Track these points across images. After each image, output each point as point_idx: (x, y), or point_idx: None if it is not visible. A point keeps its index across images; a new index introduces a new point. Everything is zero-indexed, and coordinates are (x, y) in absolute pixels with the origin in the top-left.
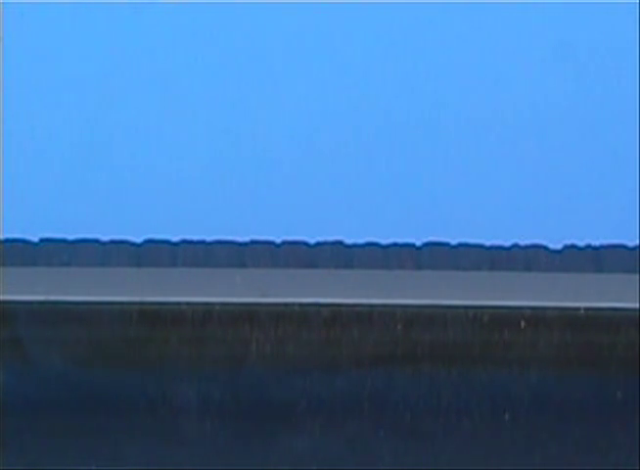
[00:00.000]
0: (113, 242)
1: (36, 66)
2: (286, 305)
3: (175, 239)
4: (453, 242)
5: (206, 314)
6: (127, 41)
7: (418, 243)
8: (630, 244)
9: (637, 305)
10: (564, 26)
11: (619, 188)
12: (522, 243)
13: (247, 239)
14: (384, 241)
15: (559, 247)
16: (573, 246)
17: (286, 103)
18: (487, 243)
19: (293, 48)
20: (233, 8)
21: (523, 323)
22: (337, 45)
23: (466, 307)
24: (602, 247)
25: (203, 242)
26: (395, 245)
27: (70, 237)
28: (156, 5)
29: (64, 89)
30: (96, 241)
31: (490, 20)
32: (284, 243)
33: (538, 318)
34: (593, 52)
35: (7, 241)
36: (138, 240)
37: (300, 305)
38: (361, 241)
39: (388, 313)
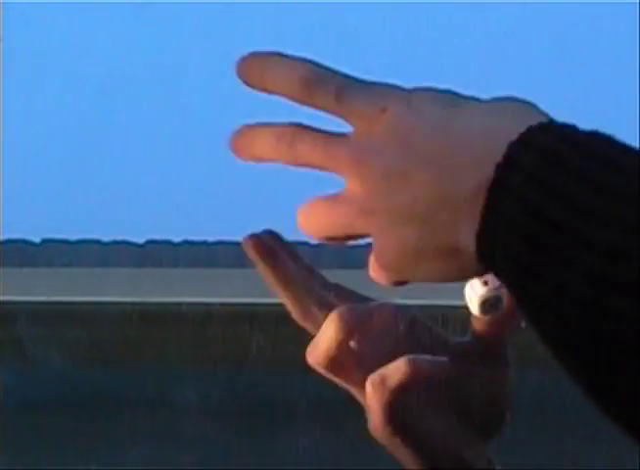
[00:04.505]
0: (114, 242)
1: (36, 65)
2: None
3: (177, 239)
4: None
5: (207, 314)
6: (129, 41)
7: None
8: None
9: None
10: (564, 27)
11: None
12: None
13: None
14: None
15: None
16: None
17: (287, 102)
18: None
19: (292, 48)
20: (235, 8)
21: (522, 323)
22: (336, 44)
23: (467, 307)
24: None
25: (204, 242)
26: None
27: (72, 238)
28: (156, 5)
29: (64, 90)
30: (97, 241)
31: (490, 21)
32: None
33: None
34: (593, 52)
35: (8, 241)
36: (140, 240)
37: None
38: (362, 241)
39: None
